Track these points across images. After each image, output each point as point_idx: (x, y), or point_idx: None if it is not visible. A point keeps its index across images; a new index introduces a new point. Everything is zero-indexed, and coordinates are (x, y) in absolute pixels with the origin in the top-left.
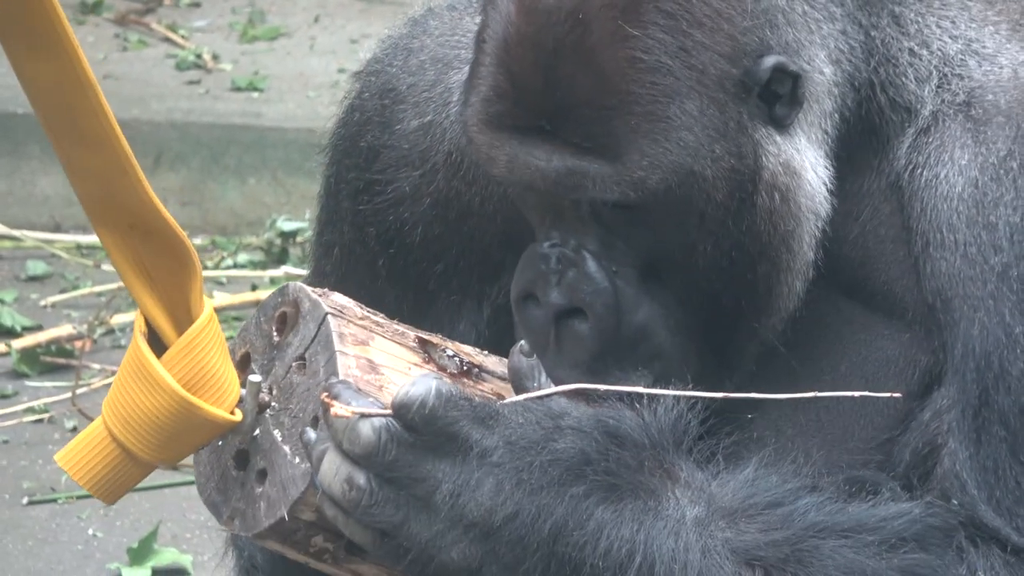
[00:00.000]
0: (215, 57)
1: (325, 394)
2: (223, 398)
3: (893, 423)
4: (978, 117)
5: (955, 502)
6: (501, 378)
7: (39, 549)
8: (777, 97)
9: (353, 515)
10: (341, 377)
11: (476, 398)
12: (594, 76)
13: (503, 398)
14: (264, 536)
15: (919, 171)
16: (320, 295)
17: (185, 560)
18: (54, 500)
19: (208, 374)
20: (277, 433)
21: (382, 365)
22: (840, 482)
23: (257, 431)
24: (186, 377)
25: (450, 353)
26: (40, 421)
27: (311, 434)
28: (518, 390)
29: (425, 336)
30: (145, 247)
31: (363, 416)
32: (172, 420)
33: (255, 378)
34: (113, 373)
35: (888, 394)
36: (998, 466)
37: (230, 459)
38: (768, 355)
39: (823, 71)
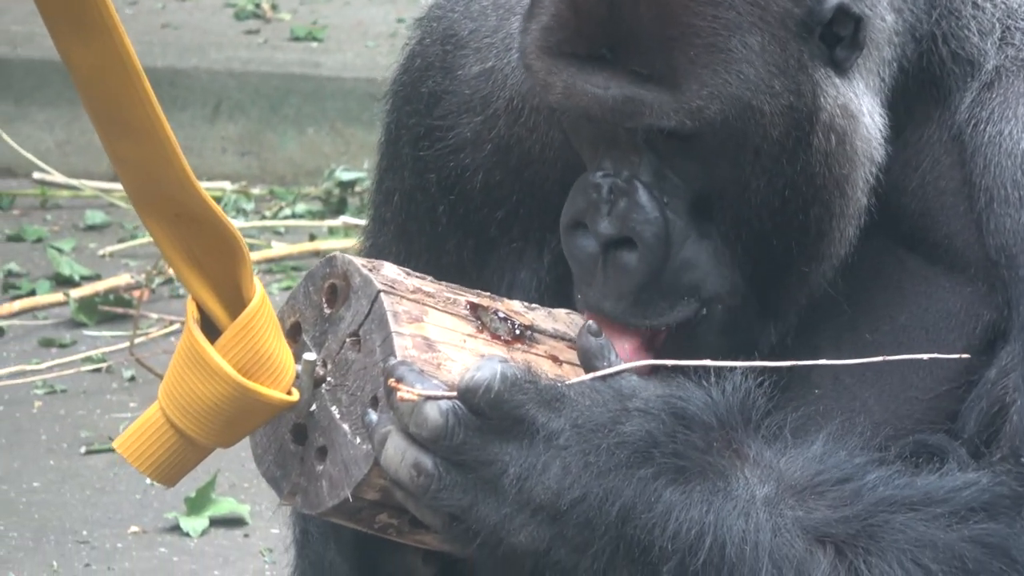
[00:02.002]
0: (274, 7)
1: (391, 379)
2: (279, 379)
3: (953, 375)
4: None
5: None
6: (552, 336)
7: (97, 498)
8: (838, 39)
9: (422, 500)
10: (399, 358)
11: (542, 380)
12: (657, 7)
13: (557, 360)
14: (328, 514)
15: (982, 126)
16: (370, 269)
17: (243, 509)
18: (112, 449)
19: (263, 357)
20: (335, 410)
21: (438, 342)
22: (906, 448)
23: (314, 406)
24: (241, 361)
25: (502, 315)
26: (98, 371)
27: (373, 416)
28: (587, 369)
29: (475, 300)
30: (192, 235)
31: (429, 399)
32: (230, 405)
33: (310, 356)
34: (171, 323)
35: (958, 356)
36: None
37: (287, 433)
38: (826, 304)
39: (884, 18)
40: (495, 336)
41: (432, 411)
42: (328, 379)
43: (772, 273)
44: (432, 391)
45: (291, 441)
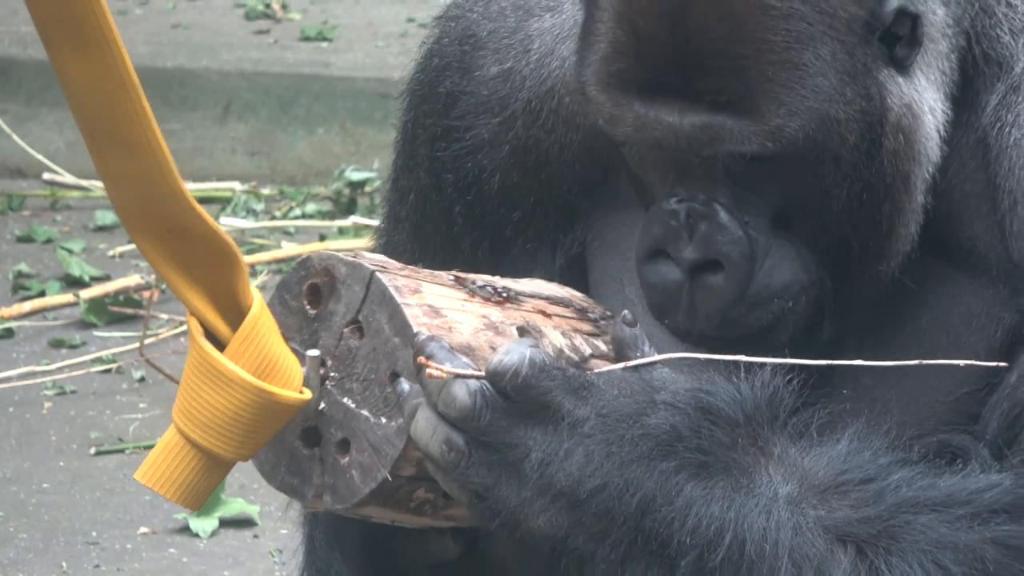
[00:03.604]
0: (284, 6)
1: (420, 356)
2: (290, 380)
3: (974, 378)
4: None
5: None
6: (531, 296)
7: (107, 499)
8: (897, 38)
9: (451, 475)
10: (414, 329)
11: (571, 368)
12: (727, 25)
13: (546, 313)
14: (364, 503)
15: (1007, 129)
16: (353, 256)
17: (252, 510)
18: (122, 450)
19: (271, 360)
20: (348, 401)
21: (442, 308)
22: (929, 449)
23: (322, 405)
24: (253, 367)
25: (481, 283)
26: (108, 371)
27: (405, 386)
28: (620, 359)
29: (457, 273)
30: (185, 249)
31: (458, 377)
32: (250, 412)
33: (313, 353)
34: (181, 323)
35: (995, 363)
36: None
37: (296, 440)
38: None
39: (936, 12)
40: (487, 300)
41: (460, 391)
42: (332, 374)
43: (850, 274)
44: (461, 369)
45: (304, 447)
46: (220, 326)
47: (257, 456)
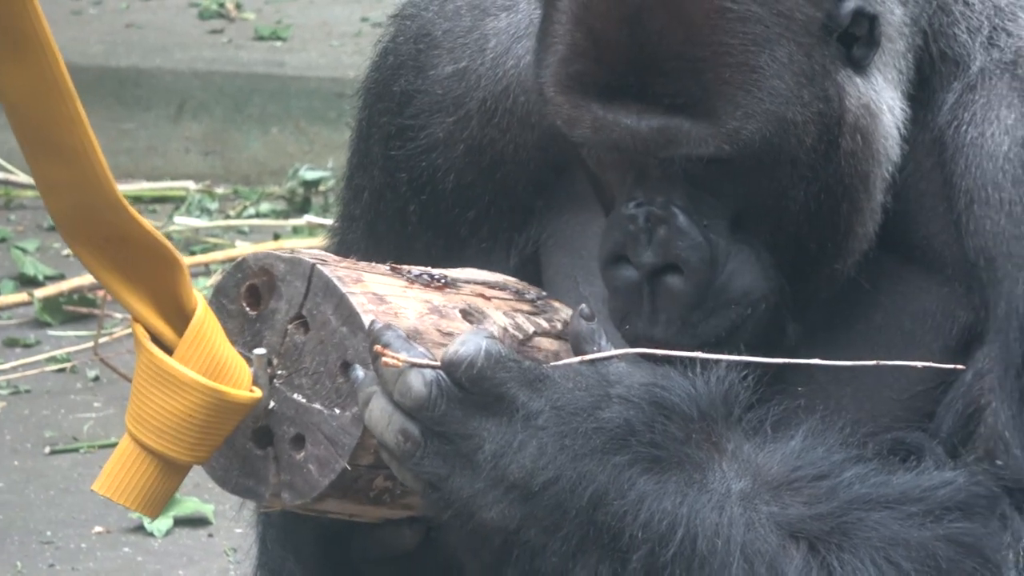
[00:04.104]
0: (238, 6)
1: (377, 344)
2: (240, 380)
3: (929, 375)
4: None
5: (999, 463)
6: (467, 282)
7: (61, 498)
8: (855, 39)
9: (406, 465)
10: (362, 316)
11: (526, 360)
12: (684, 28)
13: (485, 296)
14: (324, 496)
15: (964, 128)
16: (290, 252)
17: (207, 509)
18: (76, 449)
19: (220, 361)
20: (298, 396)
21: (385, 295)
22: (884, 446)
23: (272, 403)
24: (202, 369)
25: (416, 272)
26: (62, 370)
27: (359, 372)
28: (576, 353)
29: (392, 264)
30: (124, 256)
31: (414, 366)
32: (203, 414)
33: (260, 351)
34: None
35: (952, 366)
36: None
37: (247, 442)
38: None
39: (894, 11)
40: (426, 286)
41: (416, 380)
42: (279, 372)
43: (807, 273)
44: (417, 358)
45: (256, 447)
46: (165, 330)
47: (208, 463)
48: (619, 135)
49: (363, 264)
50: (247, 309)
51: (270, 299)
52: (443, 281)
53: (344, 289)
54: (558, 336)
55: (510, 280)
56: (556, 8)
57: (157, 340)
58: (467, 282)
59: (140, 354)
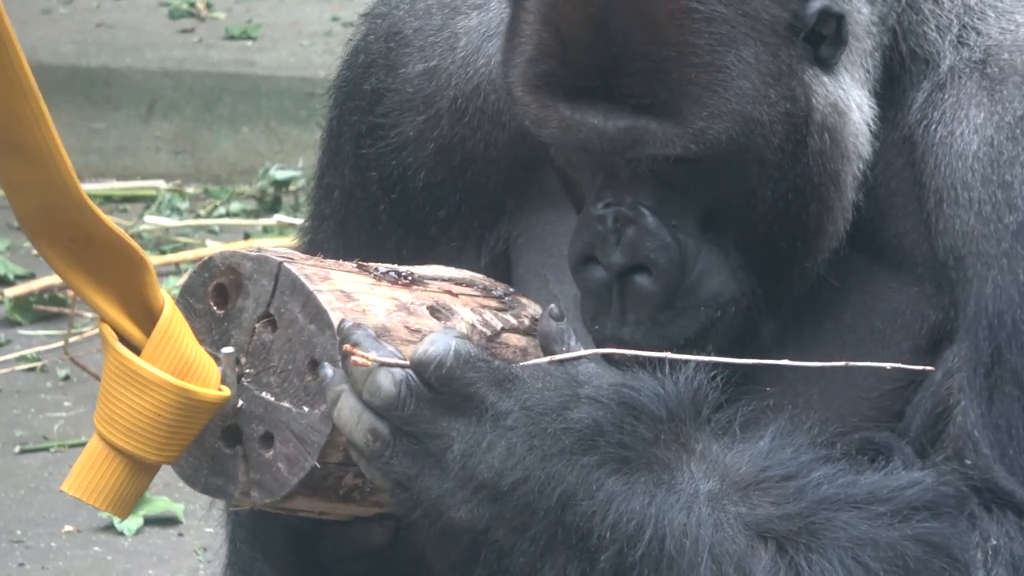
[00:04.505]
0: (208, 6)
1: (346, 344)
2: (208, 379)
3: (897, 374)
4: (994, 76)
5: (968, 462)
6: (433, 279)
7: (31, 497)
8: (822, 38)
9: (375, 464)
10: (329, 314)
11: (496, 360)
12: (649, 28)
13: (452, 293)
14: (293, 494)
15: (933, 127)
16: (257, 251)
17: (177, 508)
18: (46, 448)
19: (187, 360)
20: (267, 395)
21: (353, 292)
22: (853, 445)
23: (240, 402)
24: (170, 368)
25: (383, 269)
26: (32, 370)
27: (328, 370)
28: (546, 353)
29: (359, 262)
30: (90, 257)
31: (383, 366)
32: (172, 413)
33: (228, 350)
34: None
35: (922, 368)
36: (1011, 425)
37: (216, 441)
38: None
39: (861, 11)
40: (393, 284)
41: (386, 380)
42: (247, 371)
43: (778, 272)
44: (387, 358)
45: (225, 446)
46: (133, 330)
47: (177, 462)
48: (586, 135)
49: (330, 262)
50: (214, 308)
51: (237, 298)
52: (410, 278)
53: (311, 287)
54: (526, 332)
55: (477, 276)
56: (523, 8)
57: (125, 340)
58: (434, 279)
59: (108, 354)
